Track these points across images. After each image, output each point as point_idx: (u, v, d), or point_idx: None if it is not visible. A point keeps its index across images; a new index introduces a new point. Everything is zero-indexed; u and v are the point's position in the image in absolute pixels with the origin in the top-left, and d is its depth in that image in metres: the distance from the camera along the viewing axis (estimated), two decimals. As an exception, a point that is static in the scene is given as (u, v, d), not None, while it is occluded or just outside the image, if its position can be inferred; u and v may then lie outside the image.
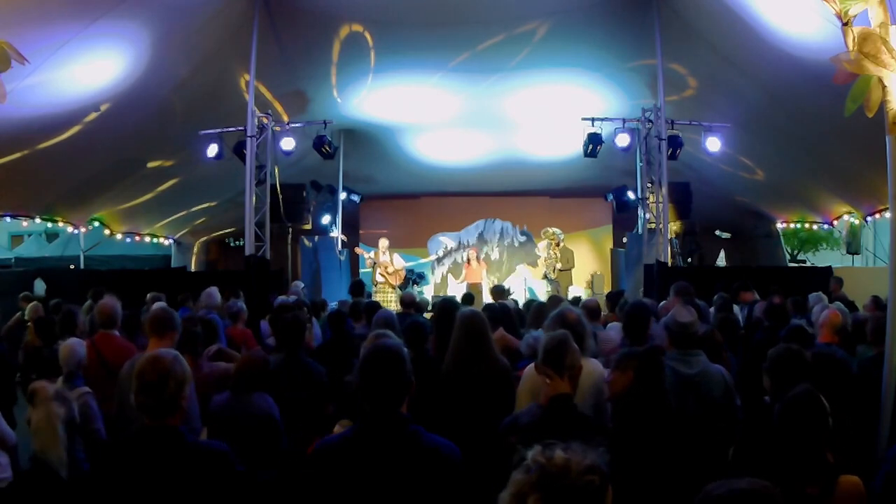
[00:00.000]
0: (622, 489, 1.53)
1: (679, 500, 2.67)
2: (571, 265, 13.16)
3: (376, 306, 6.05)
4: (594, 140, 10.50)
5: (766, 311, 5.27)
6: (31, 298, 8.04)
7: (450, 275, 16.01)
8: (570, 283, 13.21)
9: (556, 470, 1.37)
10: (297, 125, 10.53)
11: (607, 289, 13.08)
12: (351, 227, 15.30)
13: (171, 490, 2.23)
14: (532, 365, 3.40)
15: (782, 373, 3.06)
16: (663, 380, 3.02)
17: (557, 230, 13.38)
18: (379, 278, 12.37)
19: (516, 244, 16.12)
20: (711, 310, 5.82)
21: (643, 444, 2.78)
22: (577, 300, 7.59)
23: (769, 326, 5.18)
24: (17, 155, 8.21)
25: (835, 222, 13.38)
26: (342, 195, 13.93)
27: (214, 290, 6.65)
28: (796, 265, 17.22)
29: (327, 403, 4.01)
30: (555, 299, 6.22)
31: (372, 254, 12.64)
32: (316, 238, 12.84)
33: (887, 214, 7.87)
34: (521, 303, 8.89)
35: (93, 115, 8.13)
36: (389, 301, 11.98)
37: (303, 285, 9.53)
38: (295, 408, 3.77)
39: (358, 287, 8.16)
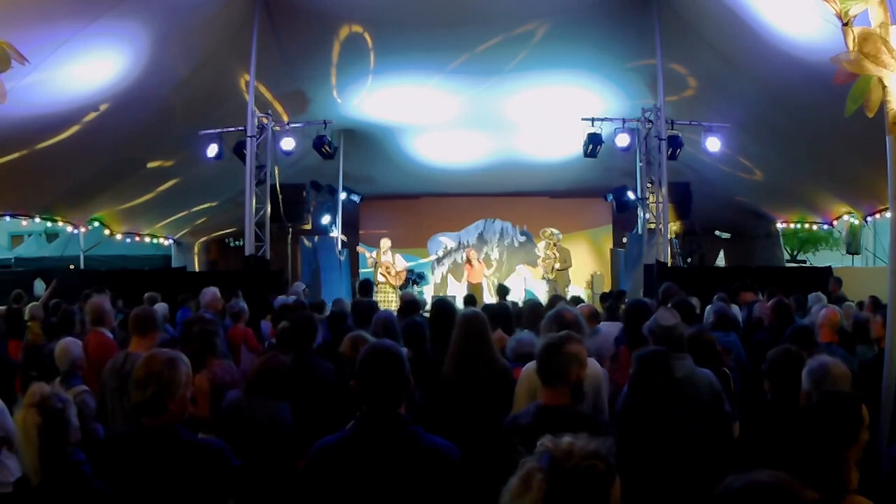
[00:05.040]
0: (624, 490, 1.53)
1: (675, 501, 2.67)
2: (569, 264, 13.16)
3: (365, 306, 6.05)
4: (594, 140, 10.49)
5: (773, 311, 5.26)
6: None
7: (450, 275, 16.01)
8: (569, 283, 13.21)
9: (561, 453, 1.44)
10: (297, 125, 10.53)
11: (607, 289, 13.08)
12: (351, 227, 15.29)
13: (165, 487, 2.24)
14: (530, 365, 3.39)
15: (781, 374, 3.06)
16: (659, 383, 3.00)
17: (556, 230, 13.39)
18: (380, 278, 12.38)
19: (516, 244, 16.11)
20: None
21: (638, 446, 2.78)
22: (576, 299, 7.57)
23: (773, 326, 5.16)
24: (17, 154, 8.21)
25: (835, 222, 13.39)
26: (342, 195, 13.93)
27: (213, 290, 6.64)
28: (796, 265, 17.22)
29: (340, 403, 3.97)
30: (555, 298, 6.22)
31: (374, 254, 12.64)
32: (316, 238, 12.83)
33: (887, 214, 7.86)
34: (519, 303, 8.88)
35: (91, 115, 8.12)
36: (390, 301, 11.99)
37: (304, 286, 9.52)
38: (305, 408, 3.74)
39: (365, 287, 8.15)
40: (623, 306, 6.29)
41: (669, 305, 4.40)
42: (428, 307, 9.71)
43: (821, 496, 2.09)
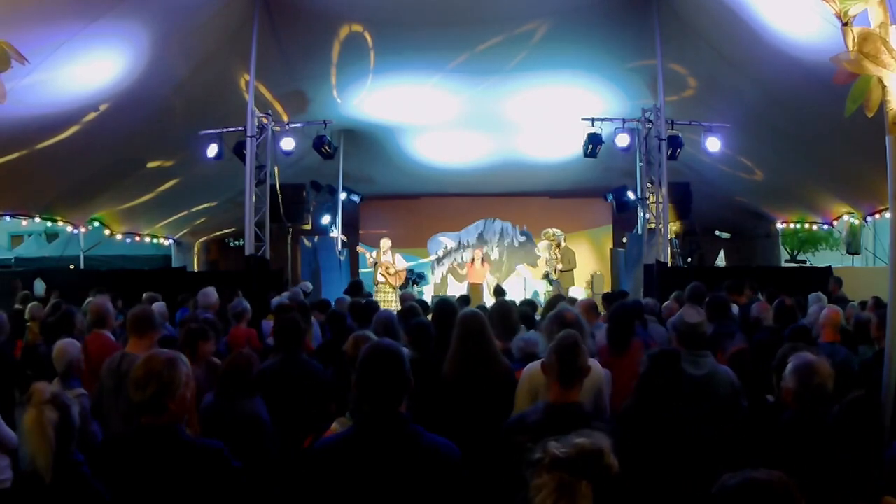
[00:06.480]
0: (630, 490, 1.53)
1: (686, 500, 2.67)
2: (573, 265, 13.15)
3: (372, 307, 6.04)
4: (594, 140, 10.49)
5: (775, 312, 5.27)
6: None
7: (450, 275, 16.01)
8: (572, 284, 13.20)
9: (589, 454, 1.41)
10: (297, 125, 10.52)
11: (607, 289, 13.07)
12: (351, 227, 15.29)
13: (165, 487, 2.24)
14: (531, 365, 3.39)
15: None
16: (662, 384, 3.00)
17: (557, 231, 13.38)
18: (380, 278, 12.37)
19: (516, 244, 16.11)
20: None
21: (649, 445, 2.77)
22: (571, 301, 7.56)
23: (774, 327, 5.16)
24: (17, 154, 8.20)
25: (835, 222, 13.38)
26: (342, 195, 13.93)
27: (211, 290, 6.64)
28: (795, 265, 17.22)
29: (330, 402, 3.98)
30: (556, 299, 6.22)
31: (374, 254, 12.63)
32: (316, 238, 12.83)
33: (887, 214, 7.85)
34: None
35: (92, 115, 8.12)
36: (390, 301, 11.99)
37: (311, 287, 9.49)
38: (295, 408, 3.75)
39: (355, 287, 8.11)
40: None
41: (678, 297, 4.38)
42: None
43: (863, 499, 2.10)
